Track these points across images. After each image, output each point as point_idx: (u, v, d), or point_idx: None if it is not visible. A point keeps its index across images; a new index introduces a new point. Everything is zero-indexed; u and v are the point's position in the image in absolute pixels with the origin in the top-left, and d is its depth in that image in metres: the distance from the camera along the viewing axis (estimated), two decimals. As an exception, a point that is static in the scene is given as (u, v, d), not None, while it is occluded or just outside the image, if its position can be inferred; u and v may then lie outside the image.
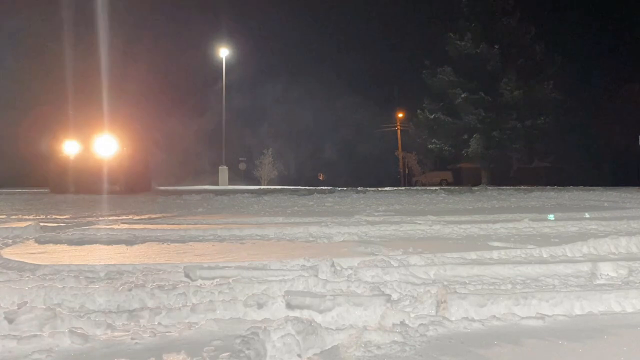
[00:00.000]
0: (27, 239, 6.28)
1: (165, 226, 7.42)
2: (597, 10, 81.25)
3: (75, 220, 8.53)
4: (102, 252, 5.38)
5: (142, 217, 9.12)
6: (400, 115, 72.78)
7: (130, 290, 3.39)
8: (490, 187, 29.67)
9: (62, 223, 7.99)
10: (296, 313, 2.96)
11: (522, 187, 31.86)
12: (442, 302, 3.03)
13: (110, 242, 6.10)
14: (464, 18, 52.46)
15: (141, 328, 2.76)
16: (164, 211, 10.34)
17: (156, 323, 2.88)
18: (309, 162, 75.55)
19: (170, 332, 2.69)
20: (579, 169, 57.62)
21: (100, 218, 8.87)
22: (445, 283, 3.66)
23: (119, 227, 7.21)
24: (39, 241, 6.09)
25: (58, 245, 5.83)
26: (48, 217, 9.16)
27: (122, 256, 4.98)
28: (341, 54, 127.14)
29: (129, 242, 6.02)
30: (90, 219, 8.76)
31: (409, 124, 59.47)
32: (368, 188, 23.58)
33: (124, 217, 9.10)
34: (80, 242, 6.11)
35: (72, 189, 17.79)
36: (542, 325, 2.75)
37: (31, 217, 9.10)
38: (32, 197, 15.90)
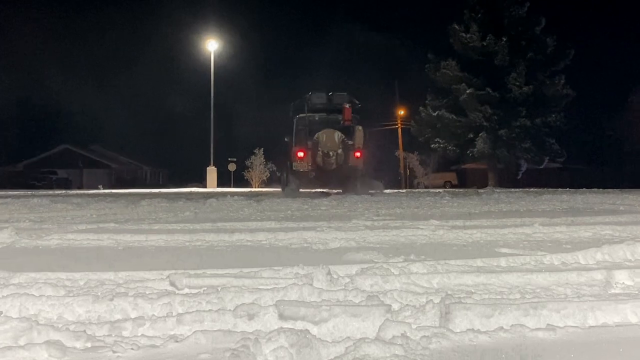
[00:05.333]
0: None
1: (149, 231, 7.41)
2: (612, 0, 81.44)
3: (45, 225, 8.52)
4: (82, 259, 5.38)
5: (125, 221, 9.11)
6: (401, 112, 72.63)
7: (111, 299, 3.39)
8: (498, 190, 29.68)
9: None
10: (289, 324, 2.96)
11: (532, 189, 31.88)
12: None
13: (91, 248, 6.10)
14: (469, 8, 52.50)
15: (123, 340, 2.76)
16: (149, 215, 10.33)
17: (139, 335, 2.89)
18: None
19: (154, 344, 2.69)
20: (593, 170, 57.68)
21: (79, 222, 8.87)
22: (449, 292, 3.67)
23: (100, 233, 7.20)
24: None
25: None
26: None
27: (103, 263, 4.98)
28: (338, 46, 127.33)
29: (111, 249, 6.02)
30: (65, 224, 8.75)
31: (410, 122, 59.45)
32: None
33: (104, 223, 9.08)
34: (58, 248, 6.11)
35: None
36: (553, 338, 2.75)
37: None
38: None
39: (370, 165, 26.25)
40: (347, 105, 23.14)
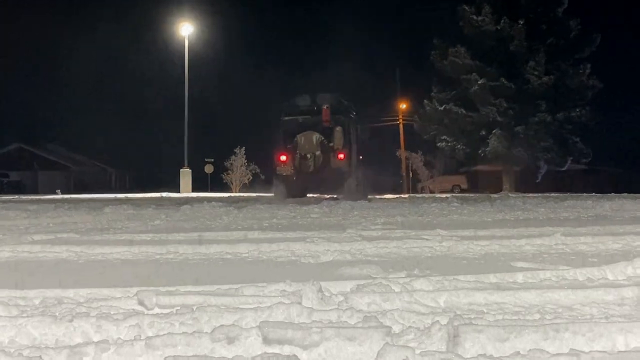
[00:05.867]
0: None
1: (114, 243, 7.41)
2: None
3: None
4: (37, 274, 5.37)
5: (87, 231, 9.10)
6: (403, 106, 72.71)
7: (71, 320, 3.39)
8: (514, 195, 29.76)
9: None
10: (275, 349, 2.96)
11: (553, 194, 31.96)
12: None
13: (47, 262, 6.09)
14: (481, -13, 52.47)
15: (84, 368, 2.76)
16: (114, 224, 10.32)
17: (103, 361, 2.88)
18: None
19: (120, 372, 2.69)
20: (623, 172, 57.80)
21: (34, 232, 8.85)
22: (458, 312, 3.67)
23: (58, 244, 7.19)
24: None
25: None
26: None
27: (62, 279, 4.97)
28: (332, 31, 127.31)
29: (70, 263, 6.01)
30: (20, 235, 8.73)
31: (413, 117, 59.45)
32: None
33: (63, 233, 9.07)
34: (10, 262, 6.10)
35: None
36: (577, 364, 2.75)
37: None
38: None
39: (364, 167, 28.81)
40: (325, 107, 25.75)
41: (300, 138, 25.63)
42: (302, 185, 26.89)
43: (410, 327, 3.33)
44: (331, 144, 25.72)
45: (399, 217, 11.44)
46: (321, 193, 28.35)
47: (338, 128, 25.80)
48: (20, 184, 63.96)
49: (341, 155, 25.64)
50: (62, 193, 42.86)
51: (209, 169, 55.45)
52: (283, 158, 25.92)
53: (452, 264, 5.77)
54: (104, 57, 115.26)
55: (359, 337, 3.00)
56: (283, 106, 28.25)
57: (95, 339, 3.22)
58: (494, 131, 49.45)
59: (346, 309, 3.65)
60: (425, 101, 54.41)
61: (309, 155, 25.49)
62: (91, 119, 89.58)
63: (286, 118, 27.37)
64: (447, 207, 14.66)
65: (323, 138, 25.63)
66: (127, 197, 28.11)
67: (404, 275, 4.98)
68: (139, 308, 3.88)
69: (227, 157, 55.30)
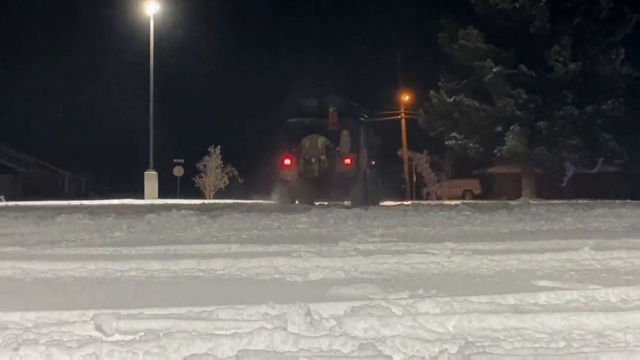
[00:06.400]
0: None
1: (68, 257, 7.39)
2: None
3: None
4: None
5: (36, 244, 9.08)
6: (406, 97, 72.57)
7: (16, 349, 3.38)
8: (535, 202, 29.79)
9: None
10: (256, 382, 2.96)
11: (581, 201, 32.01)
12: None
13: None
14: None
15: (33, 404, 2.75)
16: (67, 236, 10.30)
17: (54, 397, 2.88)
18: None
19: (74, 409, 2.69)
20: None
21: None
22: (470, 339, 3.68)
23: (1, 260, 7.18)
24: None
25: None
26: None
27: (6, 301, 4.96)
28: (321, 11, 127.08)
29: (16, 282, 6.00)
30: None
31: (417, 111, 59.31)
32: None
33: (7, 246, 9.05)
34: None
35: None
36: (608, 400, 2.76)
37: None
38: None
39: (376, 172, 32.54)
40: (332, 109, 28.04)
41: (305, 141, 27.73)
42: (306, 190, 28.33)
43: (414, 356, 3.33)
44: (337, 149, 27.90)
45: (401, 228, 11.45)
46: (326, 200, 29.72)
47: (345, 132, 27.97)
48: (-45, 190, 63.66)
49: (347, 161, 27.64)
50: (7, 200, 42.68)
51: (178, 171, 55.30)
52: (287, 162, 27.85)
53: (463, 282, 5.78)
54: (57, 42, 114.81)
55: (354, 368, 3.00)
56: (287, 107, 30.39)
57: (46, 371, 3.21)
58: (511, 127, 49.24)
59: (339, 336, 3.65)
60: (432, 92, 54.22)
61: (313, 160, 27.42)
62: (41, 115, 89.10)
63: (291, 120, 29.43)
64: (456, 216, 14.68)
65: (329, 142, 27.86)
66: (82, 204, 28.04)
67: (406, 296, 4.99)
68: (97, 334, 3.88)
69: (200, 158, 55.08)
